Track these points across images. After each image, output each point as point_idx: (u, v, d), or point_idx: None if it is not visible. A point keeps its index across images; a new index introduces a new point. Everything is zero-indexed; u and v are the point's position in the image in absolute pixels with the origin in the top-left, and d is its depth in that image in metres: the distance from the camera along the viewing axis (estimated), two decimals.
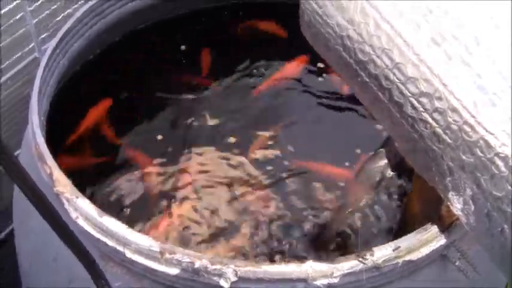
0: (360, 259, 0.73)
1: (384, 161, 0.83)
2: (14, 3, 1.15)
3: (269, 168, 1.17)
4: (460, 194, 0.61)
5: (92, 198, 0.83)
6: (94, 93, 1.26)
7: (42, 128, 0.93)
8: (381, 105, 0.66)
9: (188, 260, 0.73)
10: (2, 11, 1.14)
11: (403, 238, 0.76)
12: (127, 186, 1.13)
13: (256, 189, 1.13)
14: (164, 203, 1.11)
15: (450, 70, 0.59)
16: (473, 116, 0.57)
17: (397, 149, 0.70)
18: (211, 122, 1.26)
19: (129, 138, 1.22)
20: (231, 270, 0.72)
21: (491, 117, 0.56)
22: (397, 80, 0.63)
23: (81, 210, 0.79)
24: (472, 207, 0.60)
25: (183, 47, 1.37)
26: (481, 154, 0.57)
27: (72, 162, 1.13)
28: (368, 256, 0.73)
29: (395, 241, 0.75)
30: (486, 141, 0.56)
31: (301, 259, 1.01)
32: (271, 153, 1.19)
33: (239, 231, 1.07)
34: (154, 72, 1.34)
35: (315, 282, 0.72)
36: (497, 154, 0.55)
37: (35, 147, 0.88)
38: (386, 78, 0.64)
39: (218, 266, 0.72)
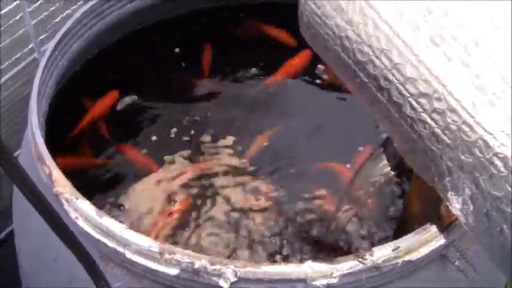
0: (360, 259, 0.73)
1: (383, 161, 0.82)
2: (14, 4, 1.16)
3: (269, 168, 1.17)
4: (459, 194, 0.61)
5: (91, 198, 0.83)
6: (93, 93, 1.26)
7: (42, 129, 0.93)
8: (379, 105, 0.66)
9: (188, 260, 0.73)
10: (2, 12, 1.14)
11: (403, 238, 0.76)
12: (127, 186, 1.14)
13: (251, 183, 1.13)
14: (164, 202, 1.11)
15: (449, 71, 0.59)
16: (472, 116, 0.57)
17: (396, 149, 0.70)
18: (211, 121, 1.26)
19: (129, 139, 1.22)
20: (230, 271, 0.72)
21: (490, 117, 0.56)
22: (396, 81, 0.63)
23: (81, 211, 0.79)
24: (471, 207, 0.60)
25: (177, 50, 1.37)
26: (479, 154, 0.57)
27: (72, 162, 1.13)
28: (367, 256, 0.73)
29: (394, 241, 0.75)
30: (485, 142, 0.56)
31: (300, 259, 1.01)
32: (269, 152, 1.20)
33: (238, 231, 1.07)
34: (154, 72, 1.34)
35: (314, 283, 0.72)
36: (496, 154, 0.55)
37: (34, 148, 0.88)
38: (385, 78, 0.64)
39: (218, 267, 0.72)
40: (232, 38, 1.41)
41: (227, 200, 1.12)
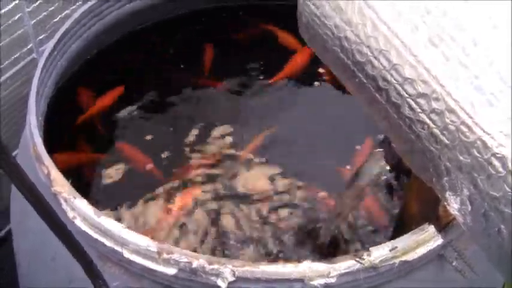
0: (357, 259, 0.73)
1: (382, 162, 0.82)
2: (13, 4, 1.16)
3: (267, 167, 1.17)
4: (457, 194, 0.61)
5: (89, 198, 0.83)
6: (93, 93, 1.26)
7: (40, 129, 0.93)
8: (378, 106, 0.66)
9: (186, 259, 0.73)
10: (1, 12, 1.14)
11: (400, 238, 0.76)
12: (127, 186, 1.14)
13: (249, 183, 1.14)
14: (164, 202, 1.11)
15: (448, 71, 0.59)
16: (471, 117, 0.57)
17: (394, 149, 0.70)
18: (211, 121, 1.26)
19: (129, 138, 1.23)
20: (228, 270, 0.72)
21: (489, 117, 0.56)
22: (394, 81, 0.63)
23: (79, 211, 0.79)
24: (469, 207, 0.60)
25: (177, 50, 1.37)
26: (478, 154, 0.57)
27: (70, 160, 1.13)
28: (365, 256, 0.73)
29: (392, 241, 0.75)
30: (483, 142, 0.56)
31: (298, 259, 1.01)
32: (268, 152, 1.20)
33: (237, 231, 1.07)
34: (154, 72, 1.34)
35: (312, 282, 0.72)
36: (494, 154, 0.55)
37: (32, 148, 0.88)
38: (384, 79, 0.64)
39: (216, 266, 0.72)
40: (232, 38, 1.41)
41: (227, 199, 1.12)
